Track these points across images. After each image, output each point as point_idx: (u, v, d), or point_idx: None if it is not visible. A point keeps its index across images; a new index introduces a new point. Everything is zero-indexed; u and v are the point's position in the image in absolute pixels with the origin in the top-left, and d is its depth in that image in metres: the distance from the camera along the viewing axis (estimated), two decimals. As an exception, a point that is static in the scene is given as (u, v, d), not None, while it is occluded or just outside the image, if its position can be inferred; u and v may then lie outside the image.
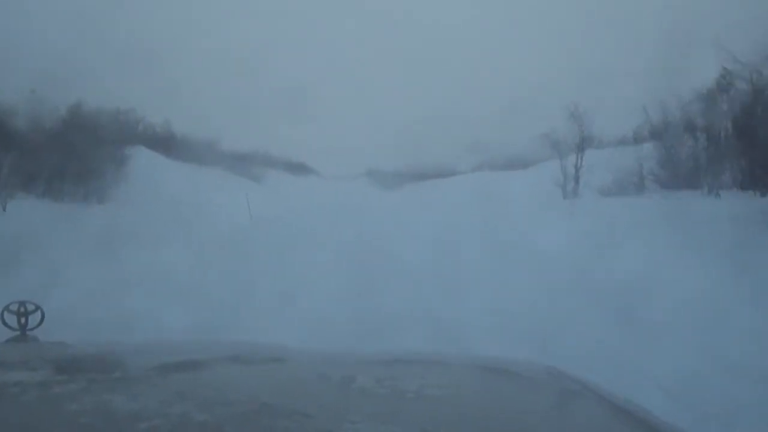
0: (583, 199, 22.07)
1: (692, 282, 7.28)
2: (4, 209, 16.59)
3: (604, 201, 18.29)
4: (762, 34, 15.48)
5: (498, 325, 6.16)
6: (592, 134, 27.15)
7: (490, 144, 38.18)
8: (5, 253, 9.08)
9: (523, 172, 32.37)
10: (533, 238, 10.56)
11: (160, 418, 0.90)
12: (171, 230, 12.06)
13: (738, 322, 5.91)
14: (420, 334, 5.58)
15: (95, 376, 1.23)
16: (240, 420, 0.94)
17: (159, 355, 1.48)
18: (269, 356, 1.58)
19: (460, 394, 1.22)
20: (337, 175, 40.38)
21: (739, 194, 15.84)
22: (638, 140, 27.95)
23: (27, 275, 7.66)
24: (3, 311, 1.85)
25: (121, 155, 23.81)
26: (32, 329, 1.84)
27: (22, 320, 1.84)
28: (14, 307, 1.86)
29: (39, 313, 1.88)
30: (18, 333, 1.82)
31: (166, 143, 31.61)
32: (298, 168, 43.77)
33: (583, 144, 26.70)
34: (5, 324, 1.84)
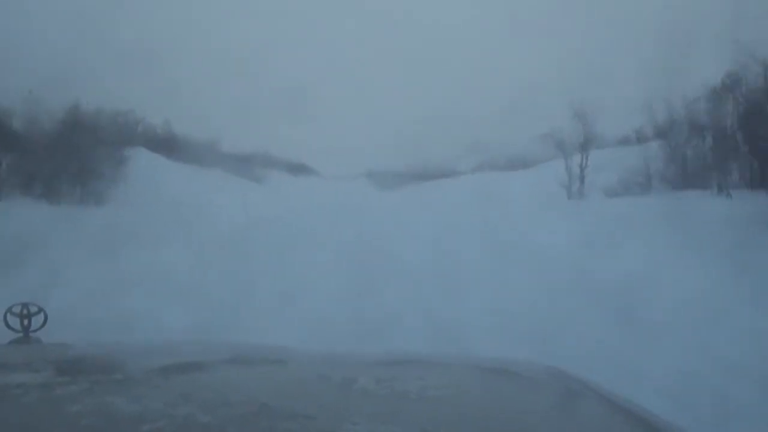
0: (589, 199, 21.86)
1: (706, 288, 7.15)
2: None
3: (610, 201, 18.03)
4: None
5: (498, 326, 6.16)
6: (595, 134, 26.94)
7: (490, 144, 38.20)
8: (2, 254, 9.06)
9: (524, 172, 32.30)
10: (542, 240, 10.43)
11: (163, 419, 0.91)
12: (171, 231, 12.04)
13: (751, 327, 5.83)
14: (420, 334, 5.59)
15: (97, 378, 1.24)
16: (242, 421, 0.94)
17: (161, 356, 1.49)
18: (270, 357, 1.58)
19: (460, 395, 1.23)
20: (337, 176, 40.39)
21: (748, 194, 15.58)
22: (641, 140, 27.86)
23: (25, 276, 7.66)
24: (6, 313, 1.86)
25: (120, 156, 23.65)
26: (35, 331, 1.85)
27: (25, 322, 1.84)
28: (17, 309, 1.86)
29: (42, 314, 1.88)
30: (21, 335, 1.83)
31: (166, 144, 31.61)
32: (298, 168, 43.78)
33: (587, 143, 26.38)
34: (8, 326, 1.84)
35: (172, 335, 4.67)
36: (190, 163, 30.61)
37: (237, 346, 1.80)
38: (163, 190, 21.76)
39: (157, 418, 0.90)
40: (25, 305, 1.87)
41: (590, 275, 8.01)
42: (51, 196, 19.76)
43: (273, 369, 1.44)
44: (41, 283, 6.62)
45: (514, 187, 24.40)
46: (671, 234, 9.67)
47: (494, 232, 11.54)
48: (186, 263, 9.19)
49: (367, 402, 1.09)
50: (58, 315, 2.07)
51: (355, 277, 8.23)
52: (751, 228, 10.24)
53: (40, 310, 1.88)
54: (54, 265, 8.63)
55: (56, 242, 10.56)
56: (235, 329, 5.68)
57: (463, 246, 10.43)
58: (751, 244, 9.06)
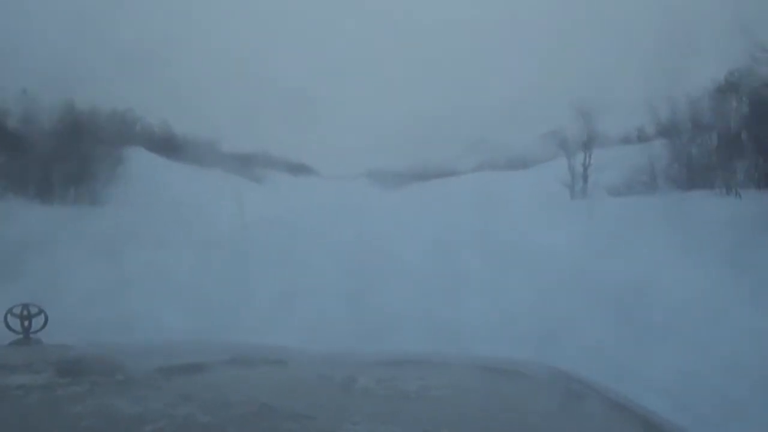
0: (592, 199, 21.62)
1: (720, 294, 7.02)
2: None
3: (615, 201, 17.66)
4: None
5: (499, 326, 6.16)
6: (598, 132, 26.74)
7: (491, 144, 38.19)
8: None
9: (525, 171, 32.25)
10: (546, 241, 10.25)
11: (163, 420, 0.92)
12: (168, 231, 12.01)
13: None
14: (420, 334, 5.59)
15: (98, 379, 1.25)
16: (243, 422, 0.95)
17: (161, 357, 1.50)
18: (271, 358, 1.59)
19: (460, 395, 1.24)
20: (337, 176, 40.40)
21: (757, 193, 15.35)
22: (642, 139, 27.75)
23: (17, 278, 7.62)
24: (6, 314, 1.86)
25: (116, 156, 23.47)
26: (36, 332, 1.85)
27: (26, 323, 1.85)
28: (17, 310, 1.87)
29: (42, 316, 1.88)
30: (21, 336, 1.83)
31: (165, 144, 31.57)
32: (298, 168, 43.80)
33: (591, 141, 26.11)
34: (9, 327, 1.85)
35: (172, 336, 4.68)
36: (189, 163, 30.57)
37: (237, 347, 1.81)
38: (162, 190, 21.68)
39: (157, 419, 0.91)
40: (25, 306, 1.87)
41: (595, 278, 7.94)
42: (44, 196, 19.61)
43: (273, 369, 1.45)
44: (33, 285, 6.58)
45: (515, 186, 24.30)
46: (684, 236, 9.32)
47: (495, 233, 11.50)
48: (184, 264, 9.17)
49: (367, 402, 1.10)
50: (54, 317, 2.07)
51: (355, 277, 8.22)
52: (766, 230, 9.95)
53: (41, 311, 1.88)
54: (45, 266, 8.60)
55: (48, 243, 10.48)
56: (235, 329, 5.69)
57: (463, 246, 10.41)
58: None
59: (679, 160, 20.37)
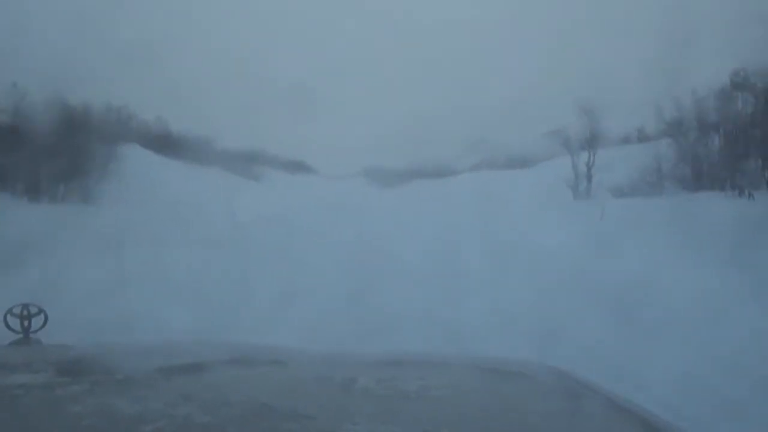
0: (596, 200, 21.30)
1: (724, 297, 6.91)
2: None
3: (620, 203, 17.21)
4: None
5: (500, 326, 6.16)
6: (601, 131, 26.39)
7: (491, 143, 38.06)
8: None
9: (525, 171, 32.06)
10: (548, 244, 10.11)
11: (163, 419, 0.93)
12: (163, 229, 11.95)
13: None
14: (420, 334, 5.60)
15: (98, 378, 1.26)
16: (243, 421, 0.97)
17: (161, 357, 1.51)
18: (271, 358, 1.60)
19: (460, 395, 1.25)
20: (335, 174, 40.25)
21: (765, 194, 15.14)
22: (642, 139, 27.57)
23: (4, 278, 7.52)
24: (6, 314, 1.87)
25: (109, 153, 23.22)
26: (35, 332, 1.86)
27: (25, 323, 1.86)
28: (17, 310, 1.88)
29: (42, 315, 1.89)
30: (21, 336, 1.84)
31: (160, 141, 31.40)
32: (296, 166, 43.63)
33: (595, 141, 25.53)
34: (9, 327, 1.85)
35: (171, 336, 4.67)
36: (186, 161, 30.41)
37: (237, 347, 1.82)
38: (157, 187, 21.46)
39: (157, 419, 0.93)
40: (25, 306, 1.88)
41: (596, 279, 7.87)
42: (32, 193, 19.36)
43: (273, 369, 1.46)
44: (23, 284, 6.54)
45: (516, 186, 24.14)
46: (707, 245, 8.87)
47: (496, 233, 11.44)
48: (181, 262, 9.13)
49: (367, 402, 1.11)
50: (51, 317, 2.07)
51: (354, 276, 8.22)
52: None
53: (41, 311, 1.89)
54: (34, 266, 8.54)
55: (36, 242, 10.34)
56: (235, 329, 5.68)
57: (464, 246, 10.39)
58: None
59: (685, 159, 20.12)
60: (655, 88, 21.65)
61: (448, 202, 18.33)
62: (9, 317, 1.87)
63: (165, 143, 31.28)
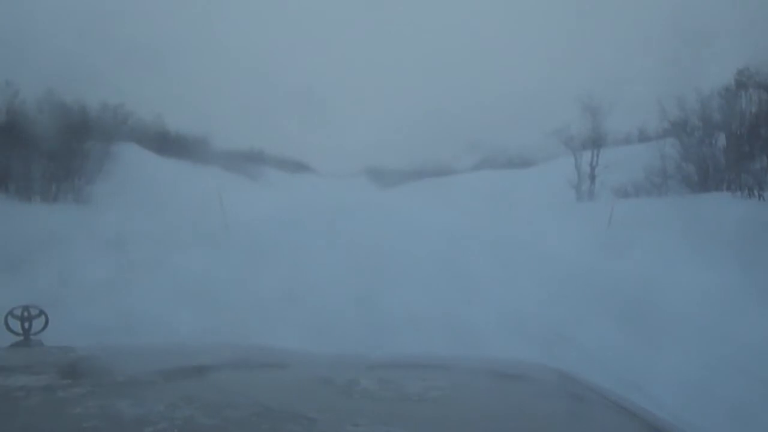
0: (601, 200, 20.98)
1: (733, 299, 6.83)
2: None
3: (625, 204, 16.73)
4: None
5: (506, 327, 6.17)
6: (605, 130, 26.25)
7: (493, 142, 38.25)
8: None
9: (528, 171, 32.15)
10: (557, 245, 10.00)
11: (165, 422, 0.93)
12: (160, 230, 11.96)
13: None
14: (425, 335, 5.62)
15: (99, 380, 1.26)
16: (244, 424, 0.96)
17: (163, 359, 1.52)
18: (273, 360, 1.61)
19: (462, 397, 1.25)
20: (337, 174, 40.49)
21: None
22: (643, 138, 27.54)
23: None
24: (6, 316, 1.88)
25: (105, 152, 23.14)
26: (36, 334, 1.87)
27: (26, 325, 1.86)
28: (18, 312, 1.88)
29: (43, 317, 1.90)
30: (21, 338, 1.85)
31: (159, 140, 31.49)
32: (297, 166, 43.92)
33: (599, 140, 25.43)
34: (9, 329, 1.86)
35: (174, 338, 4.69)
36: (185, 160, 30.52)
37: (240, 349, 1.82)
38: (153, 187, 21.50)
39: (158, 421, 0.92)
40: (25, 308, 1.89)
41: (604, 281, 7.83)
42: (23, 192, 19.17)
43: (275, 371, 1.47)
44: (17, 287, 6.53)
45: (518, 186, 24.16)
46: (718, 247, 8.64)
47: (501, 235, 11.47)
48: (181, 263, 9.14)
49: (369, 404, 1.11)
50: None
51: (360, 277, 8.22)
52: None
53: (41, 312, 1.90)
54: (32, 267, 8.55)
55: (24, 241, 10.31)
56: (239, 331, 5.68)
57: (468, 247, 10.41)
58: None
59: (690, 159, 20.06)
60: (658, 87, 21.67)
61: (451, 202, 18.37)
62: (10, 319, 1.88)
63: (164, 143, 31.37)
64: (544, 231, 11.60)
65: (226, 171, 32.02)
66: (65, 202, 19.94)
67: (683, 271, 8.02)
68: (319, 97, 51.35)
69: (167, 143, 31.56)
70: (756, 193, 15.29)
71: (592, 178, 24.90)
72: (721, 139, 19.39)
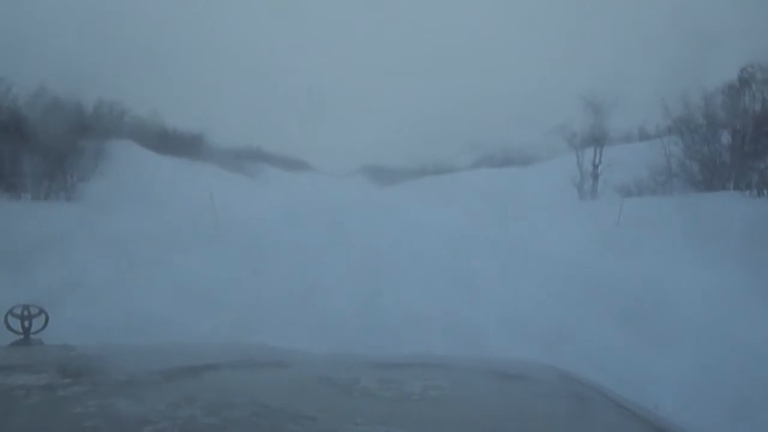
0: (604, 199, 20.90)
1: (737, 299, 6.75)
2: None
3: (629, 202, 16.15)
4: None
5: (509, 327, 6.18)
6: (608, 128, 26.06)
7: (493, 140, 38.23)
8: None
9: (528, 169, 32.05)
10: (559, 245, 9.91)
11: (165, 421, 0.94)
12: (159, 230, 11.93)
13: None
14: (428, 335, 5.63)
15: (100, 379, 1.27)
16: (244, 423, 0.97)
17: (164, 358, 1.53)
18: (273, 360, 1.62)
19: (465, 397, 1.26)
20: (337, 172, 40.47)
21: None
22: (643, 137, 27.43)
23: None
24: (6, 315, 1.89)
25: (100, 149, 22.98)
26: (36, 332, 1.88)
27: (26, 324, 1.88)
28: (18, 311, 1.89)
29: (43, 316, 1.91)
30: (21, 337, 1.86)
31: (157, 138, 31.45)
32: (298, 164, 43.90)
33: (602, 137, 25.21)
34: (9, 328, 1.88)
35: (175, 337, 4.69)
36: (183, 158, 30.44)
37: (241, 348, 1.84)
38: (149, 185, 21.30)
39: (158, 420, 0.93)
40: (26, 306, 1.90)
41: (611, 284, 7.76)
42: (12, 190, 19.13)
43: (276, 371, 1.48)
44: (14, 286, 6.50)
45: (518, 184, 24.03)
46: (727, 247, 8.41)
47: (503, 234, 11.42)
48: (181, 264, 9.13)
49: (369, 403, 1.12)
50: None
51: (362, 277, 8.22)
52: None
53: (41, 311, 1.91)
54: (30, 267, 8.53)
55: (11, 241, 10.24)
56: (240, 330, 5.70)
57: (470, 246, 10.40)
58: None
59: (694, 157, 19.95)
60: (659, 86, 21.60)
61: (452, 200, 18.31)
62: (10, 318, 1.90)
63: (162, 140, 31.32)
64: (550, 231, 11.51)
65: (224, 169, 31.97)
66: (57, 200, 19.83)
67: (695, 272, 7.91)
68: (318, 95, 51.28)
69: (165, 141, 31.54)
70: (765, 192, 15.18)
71: (595, 176, 24.70)
72: (726, 137, 19.28)
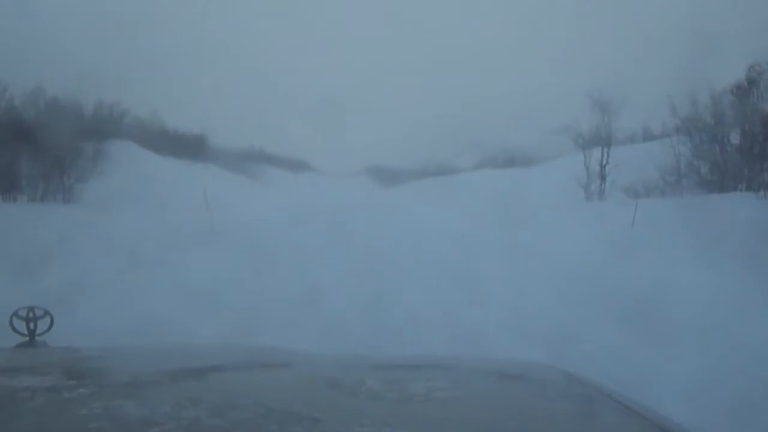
0: (611, 201, 20.73)
1: (743, 302, 6.74)
2: None
3: (642, 204, 15.44)
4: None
5: (515, 328, 6.18)
6: (615, 127, 25.87)
7: (495, 141, 38.25)
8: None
9: (532, 169, 32.00)
10: (565, 247, 9.86)
11: (170, 423, 0.94)
12: (158, 230, 11.95)
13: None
14: (432, 336, 5.64)
15: (105, 381, 1.28)
16: (249, 425, 0.98)
17: (169, 359, 1.54)
18: (278, 361, 1.63)
19: (469, 398, 1.26)
20: (341, 173, 40.56)
21: None
22: (647, 137, 27.33)
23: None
24: (12, 317, 1.90)
25: (98, 150, 22.96)
26: (41, 334, 1.90)
27: (31, 325, 1.89)
28: (23, 313, 1.91)
29: (48, 318, 1.93)
30: (26, 339, 1.87)
31: (158, 139, 31.51)
32: (300, 165, 44.01)
33: (609, 137, 24.98)
34: (14, 330, 1.89)
35: (181, 339, 4.71)
36: (184, 159, 30.49)
37: (244, 349, 1.84)
38: (150, 186, 21.29)
39: (164, 422, 0.94)
40: (31, 308, 1.92)
41: (618, 287, 7.72)
42: (7, 192, 19.03)
43: (280, 372, 1.48)
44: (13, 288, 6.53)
45: (523, 185, 23.97)
46: (741, 251, 8.35)
47: (509, 236, 11.38)
48: (182, 264, 9.14)
49: (374, 405, 1.13)
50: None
51: (368, 278, 8.22)
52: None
53: (46, 313, 1.92)
54: (29, 268, 8.54)
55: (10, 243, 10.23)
56: (246, 332, 5.71)
57: (476, 247, 10.39)
58: None
59: (703, 157, 19.83)
60: (664, 86, 21.53)
61: (455, 202, 18.27)
62: (15, 320, 1.91)
63: (162, 141, 31.37)
64: (561, 234, 11.39)
65: (226, 170, 32.05)
66: (54, 202, 19.77)
67: (713, 277, 7.83)
68: (320, 96, 51.43)
69: (166, 142, 31.59)
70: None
71: (602, 177, 24.52)
72: (734, 137, 19.19)
